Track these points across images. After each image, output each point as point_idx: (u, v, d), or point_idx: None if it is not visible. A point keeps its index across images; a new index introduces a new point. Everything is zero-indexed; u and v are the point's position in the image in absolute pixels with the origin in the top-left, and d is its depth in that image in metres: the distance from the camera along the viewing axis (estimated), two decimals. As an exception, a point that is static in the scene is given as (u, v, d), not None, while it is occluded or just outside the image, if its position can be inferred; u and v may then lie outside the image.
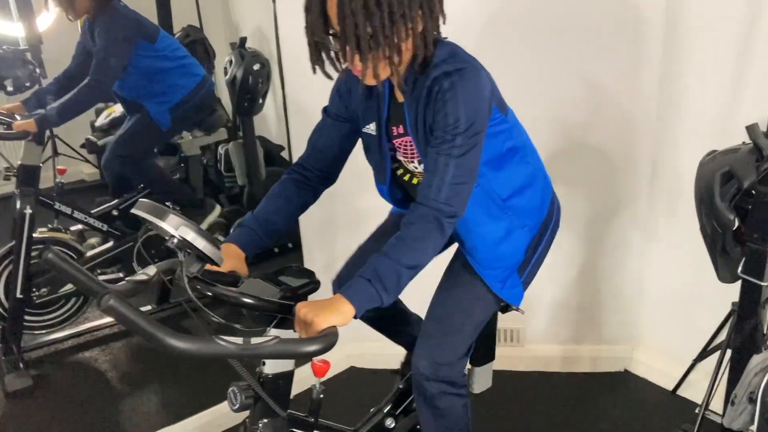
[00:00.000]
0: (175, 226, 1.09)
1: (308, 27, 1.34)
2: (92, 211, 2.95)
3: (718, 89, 2.14)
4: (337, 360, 2.70)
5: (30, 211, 2.67)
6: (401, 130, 1.50)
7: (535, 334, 2.68)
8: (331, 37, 1.34)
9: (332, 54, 1.36)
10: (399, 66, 1.35)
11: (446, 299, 1.64)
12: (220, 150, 3.66)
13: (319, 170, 1.61)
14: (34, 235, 2.71)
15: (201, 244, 1.12)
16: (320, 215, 2.48)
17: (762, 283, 1.73)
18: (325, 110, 1.61)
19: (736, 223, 1.68)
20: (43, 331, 2.91)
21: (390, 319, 1.84)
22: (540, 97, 2.34)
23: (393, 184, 1.62)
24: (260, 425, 1.36)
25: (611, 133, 2.39)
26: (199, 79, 2.98)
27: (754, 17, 2.00)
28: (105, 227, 2.95)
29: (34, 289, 2.79)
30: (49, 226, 2.86)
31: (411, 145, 1.50)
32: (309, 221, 2.57)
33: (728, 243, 1.72)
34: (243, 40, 3.47)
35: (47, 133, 4.15)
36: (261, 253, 1.55)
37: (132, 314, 0.98)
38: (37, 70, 3.90)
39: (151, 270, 1.28)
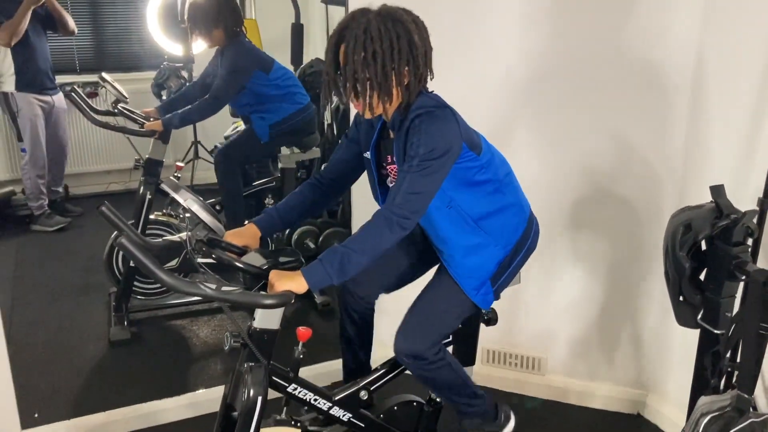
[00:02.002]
0: (184, 199, 1.53)
1: (325, 68, 1.75)
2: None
3: (736, 154, 2.29)
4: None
5: (150, 196, 3.26)
6: (391, 160, 1.87)
7: (556, 365, 2.88)
8: (340, 77, 1.74)
9: (340, 90, 1.76)
10: (388, 107, 1.73)
11: (426, 296, 1.97)
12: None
13: (332, 180, 2.01)
14: (151, 216, 3.31)
15: (202, 214, 1.54)
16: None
17: (715, 331, 1.89)
18: (345, 134, 2.01)
19: (690, 271, 1.86)
20: (148, 298, 3.49)
21: (357, 349, 2.18)
22: (573, 147, 2.61)
23: None
24: (246, 366, 1.76)
25: (638, 186, 2.58)
26: (301, 106, 3.51)
27: (761, 91, 2.15)
28: (208, 219, 3.52)
29: (144, 261, 3.39)
30: (164, 211, 3.44)
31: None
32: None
33: (685, 290, 1.90)
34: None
35: (192, 138, 4.92)
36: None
37: (136, 251, 1.41)
38: (186, 84, 4.65)
39: (183, 235, 1.73)
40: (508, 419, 2.16)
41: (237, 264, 1.63)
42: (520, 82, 2.61)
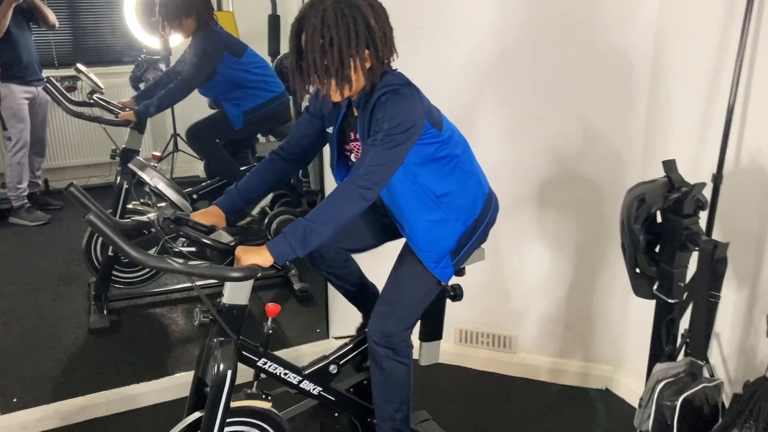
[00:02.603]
0: (150, 177, 1.58)
1: (289, 56, 1.80)
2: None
3: (693, 132, 2.36)
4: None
5: (127, 186, 3.31)
6: (354, 136, 1.93)
7: (527, 343, 2.95)
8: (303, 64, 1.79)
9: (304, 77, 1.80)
10: (351, 90, 1.78)
11: (394, 278, 2.04)
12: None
13: (295, 154, 2.05)
14: (128, 206, 3.35)
15: (168, 192, 1.59)
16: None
17: (670, 300, 1.96)
18: (306, 108, 2.06)
19: (644, 243, 1.93)
20: (127, 286, 3.53)
21: (356, 292, 2.25)
22: (538, 129, 2.68)
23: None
24: (215, 341, 1.81)
25: (601, 166, 2.65)
26: (276, 94, 3.55)
27: (716, 73, 2.23)
28: (187, 207, 3.56)
29: (123, 250, 3.43)
30: (141, 200, 3.48)
31: (360, 149, 1.92)
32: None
33: (641, 262, 1.98)
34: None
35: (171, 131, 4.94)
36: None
37: (103, 227, 1.46)
38: (164, 76, 4.64)
39: (152, 215, 1.78)
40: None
41: (204, 241, 1.68)
42: (486, 66, 2.67)
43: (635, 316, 2.74)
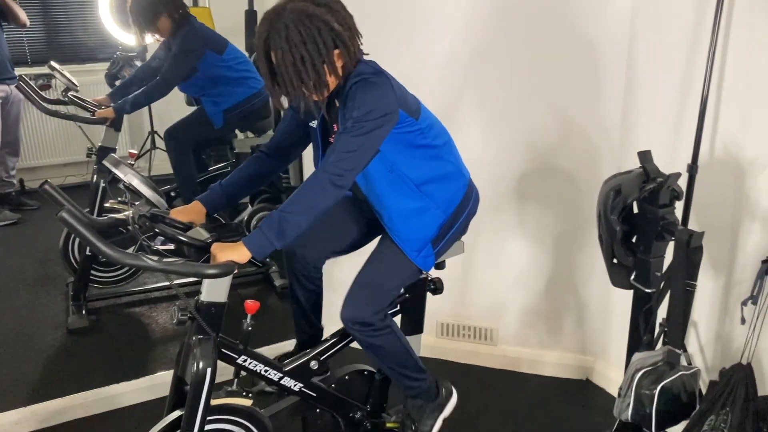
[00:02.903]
0: (124, 174, 1.56)
1: (263, 73, 1.79)
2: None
3: (667, 124, 2.38)
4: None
5: (104, 184, 3.28)
6: (337, 129, 1.92)
7: (507, 335, 2.97)
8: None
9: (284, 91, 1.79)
10: (330, 89, 1.78)
11: (370, 264, 2.02)
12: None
13: (280, 151, 2.05)
14: (105, 204, 3.31)
15: (143, 189, 1.58)
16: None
17: (647, 290, 1.98)
18: (290, 104, 2.05)
19: (621, 234, 1.95)
20: (106, 286, 3.50)
21: (305, 315, 2.22)
22: (516, 122, 2.69)
23: None
24: (195, 339, 1.80)
25: (579, 158, 2.67)
26: (255, 91, 3.53)
27: (690, 64, 2.25)
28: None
29: (101, 250, 3.39)
30: (119, 199, 3.45)
31: None
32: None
33: (618, 252, 1.99)
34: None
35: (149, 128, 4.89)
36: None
37: (77, 224, 1.44)
38: (139, 72, 4.60)
39: (128, 212, 1.76)
40: (450, 395, 2.18)
41: (180, 238, 1.67)
42: (464, 60, 2.68)
43: (615, 307, 2.76)
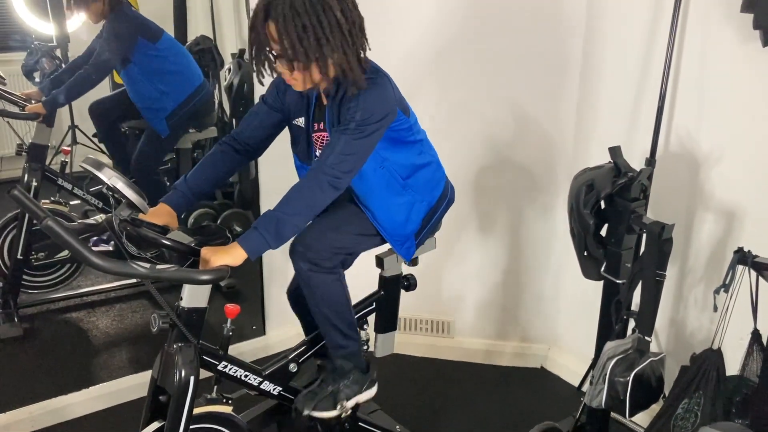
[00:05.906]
0: (108, 177, 1.47)
1: (252, 43, 1.71)
2: (90, 190, 3.35)
3: (623, 118, 2.47)
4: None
5: (36, 183, 3.08)
6: (321, 126, 1.88)
7: (464, 328, 3.01)
8: (271, 53, 1.71)
9: (272, 66, 1.73)
10: (324, 78, 1.72)
11: (341, 214, 1.93)
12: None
13: (248, 145, 1.97)
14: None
15: (127, 192, 1.49)
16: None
17: (618, 281, 2.05)
18: (262, 98, 1.97)
19: (594, 227, 2.01)
20: (38, 291, 3.29)
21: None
22: (474, 118, 2.72)
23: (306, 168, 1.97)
24: (175, 347, 1.72)
25: (534, 151, 2.73)
26: (195, 87, 3.37)
27: (646, 59, 2.34)
28: (100, 204, 3.34)
29: (33, 253, 3.18)
30: (51, 198, 3.25)
31: (326, 139, 1.87)
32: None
33: (590, 245, 2.05)
34: (242, 51, 3.87)
35: (68, 123, 4.61)
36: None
37: (64, 233, 1.35)
38: (63, 65, 4.36)
39: (100, 217, 1.66)
40: (374, 383, 2.11)
41: (165, 242, 1.59)
42: (422, 56, 2.68)
43: (567, 296, 2.85)
